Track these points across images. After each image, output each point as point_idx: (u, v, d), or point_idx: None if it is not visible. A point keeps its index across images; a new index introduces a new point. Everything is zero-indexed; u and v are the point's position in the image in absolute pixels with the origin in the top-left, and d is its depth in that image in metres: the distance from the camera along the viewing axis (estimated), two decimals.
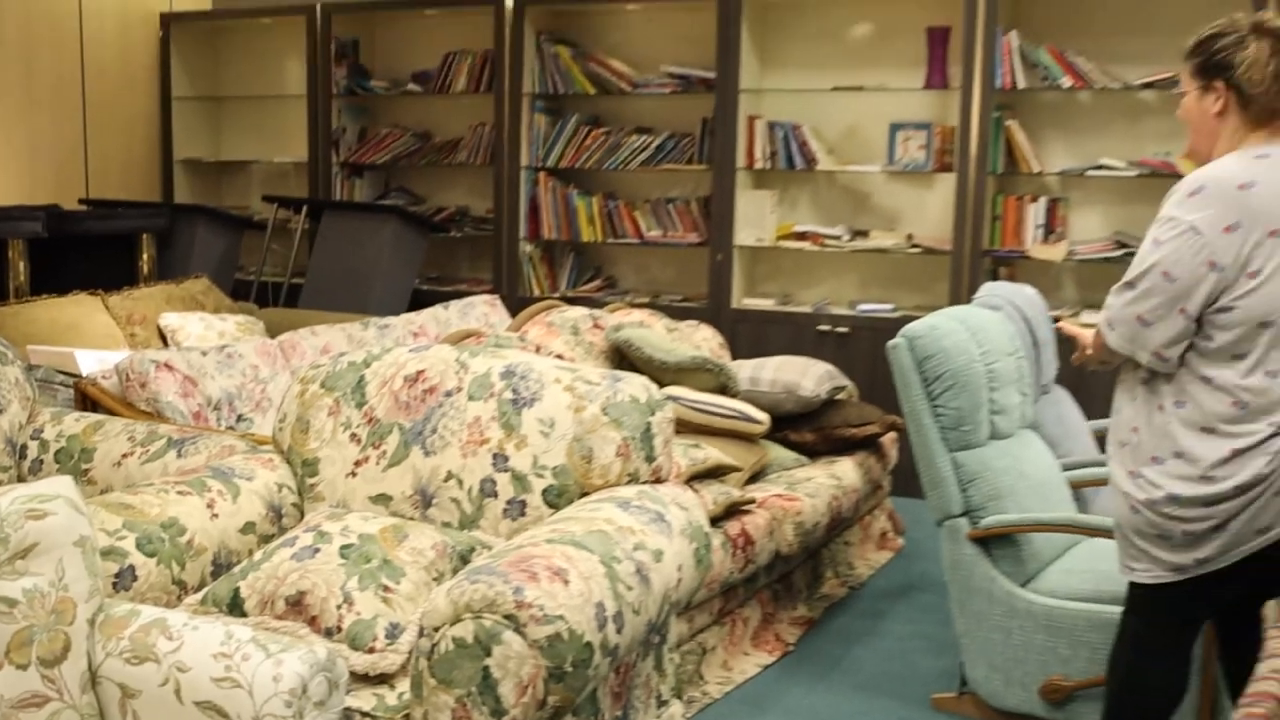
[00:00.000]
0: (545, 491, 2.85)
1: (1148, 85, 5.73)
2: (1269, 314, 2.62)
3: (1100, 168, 5.82)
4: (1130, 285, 2.70)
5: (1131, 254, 5.72)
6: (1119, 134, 5.94)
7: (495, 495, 2.89)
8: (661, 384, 4.45)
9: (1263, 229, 2.61)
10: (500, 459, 2.90)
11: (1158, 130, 5.88)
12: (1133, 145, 5.88)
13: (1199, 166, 2.74)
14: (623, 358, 4.66)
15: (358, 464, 3.04)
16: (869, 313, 6.16)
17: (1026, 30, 5.94)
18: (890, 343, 3.51)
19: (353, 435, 3.07)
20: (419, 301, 6.53)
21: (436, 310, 5.51)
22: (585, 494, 2.84)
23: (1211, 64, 2.71)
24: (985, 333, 3.65)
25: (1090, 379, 5.64)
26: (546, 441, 2.88)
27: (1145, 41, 5.85)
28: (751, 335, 6.27)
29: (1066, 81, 5.78)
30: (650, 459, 2.87)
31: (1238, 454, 2.65)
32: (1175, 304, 2.64)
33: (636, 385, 2.92)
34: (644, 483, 2.87)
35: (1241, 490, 2.65)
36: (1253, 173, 2.62)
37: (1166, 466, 2.71)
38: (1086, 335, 2.94)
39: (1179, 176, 5.63)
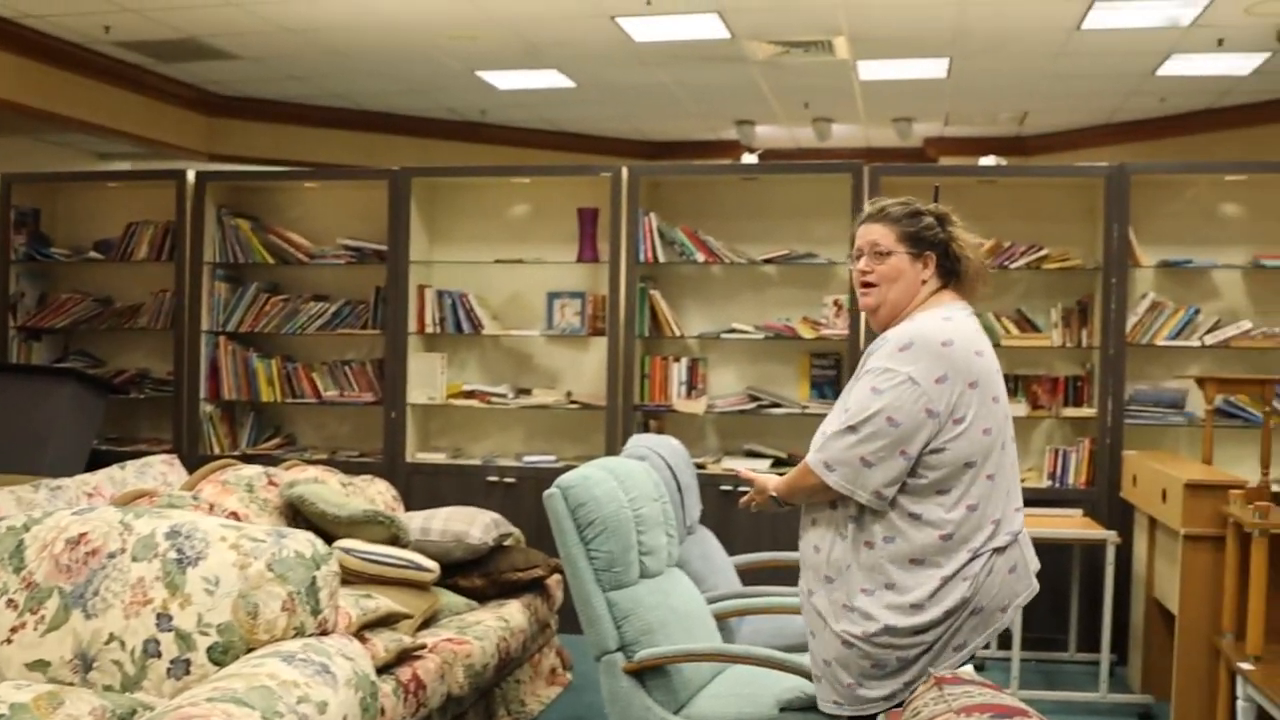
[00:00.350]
0: (210, 649, 2.64)
1: (768, 261, 6.01)
2: (972, 455, 2.71)
3: (732, 331, 6.04)
4: (853, 429, 2.71)
5: (763, 406, 5.96)
6: (747, 302, 6.19)
7: (159, 655, 2.65)
8: (335, 537, 4.26)
9: (963, 381, 2.72)
10: (164, 619, 2.67)
11: (778, 299, 6.16)
12: (758, 312, 6.13)
13: (885, 317, 2.84)
14: (297, 513, 4.45)
15: (14, 630, 2.74)
16: (533, 464, 6.13)
17: (664, 212, 6.16)
18: (546, 493, 3.46)
19: (9, 601, 2.77)
20: (98, 462, 6.06)
21: (113, 470, 5.11)
22: (251, 649, 2.64)
23: (923, 239, 2.84)
24: (632, 480, 3.65)
25: (733, 520, 5.77)
26: (211, 599, 2.67)
27: (763, 225, 6.16)
28: (425, 487, 6.13)
29: (700, 257, 6.00)
30: (316, 611, 2.71)
31: (945, 581, 2.70)
32: (897, 446, 2.68)
33: (302, 540, 2.77)
34: (310, 635, 2.70)
35: (949, 614, 2.70)
36: (948, 332, 2.74)
37: (876, 597, 2.71)
38: (762, 479, 2.95)
39: (799, 339, 5.94)
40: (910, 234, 2.85)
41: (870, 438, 2.70)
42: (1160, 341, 5.72)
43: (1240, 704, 4.03)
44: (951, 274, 2.87)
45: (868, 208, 2.94)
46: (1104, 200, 5.65)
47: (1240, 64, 8.63)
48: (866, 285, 2.87)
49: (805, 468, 2.79)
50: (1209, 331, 5.70)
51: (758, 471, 3.14)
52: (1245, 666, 3.97)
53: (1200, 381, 5.15)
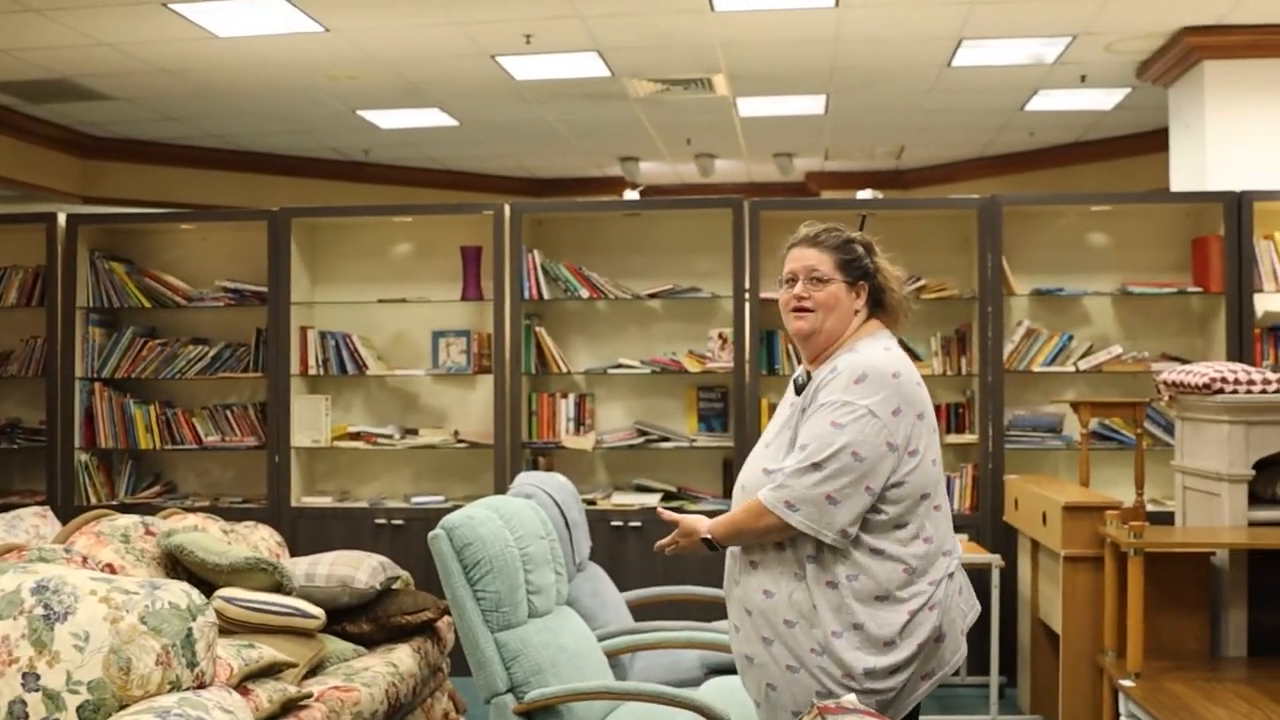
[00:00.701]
0: (80, 708, 2.52)
1: (653, 295, 6.03)
2: (926, 487, 2.70)
3: (619, 366, 6.03)
4: (817, 466, 2.63)
5: (652, 440, 5.96)
6: (632, 337, 6.19)
7: (26, 717, 2.53)
8: (217, 587, 4.13)
9: (914, 413, 2.70)
10: (31, 678, 2.55)
11: (664, 333, 6.18)
12: (644, 346, 6.14)
13: (818, 345, 2.79)
14: (177, 563, 4.31)
15: None
16: (422, 504, 6.04)
17: (548, 249, 6.14)
18: (430, 534, 3.40)
19: None
20: None
21: None
22: (124, 706, 2.53)
23: (857, 268, 2.82)
24: (518, 519, 3.60)
25: (624, 555, 5.74)
26: (81, 656, 2.56)
27: (647, 260, 6.18)
28: (311, 532, 6.00)
29: (585, 293, 5.99)
30: (193, 664, 2.61)
31: (913, 615, 2.66)
32: (862, 482, 2.62)
33: (176, 591, 2.67)
34: (187, 689, 2.60)
35: (920, 647, 2.67)
36: (893, 363, 2.72)
37: (846, 640, 2.64)
38: (690, 521, 2.82)
39: (685, 372, 5.95)
40: (846, 262, 2.82)
41: (836, 474, 2.62)
42: (1036, 368, 5.85)
43: None
44: (877, 304, 2.86)
45: (802, 230, 2.88)
46: (977, 231, 5.78)
47: (1103, 99, 8.91)
48: (802, 310, 2.80)
49: (759, 507, 2.67)
50: (1082, 357, 5.85)
51: (672, 510, 3.09)
52: (1126, 684, 4.04)
53: (1075, 406, 5.27)
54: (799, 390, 2.82)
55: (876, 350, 2.77)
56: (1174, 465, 4.76)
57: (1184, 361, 5.65)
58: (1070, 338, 5.88)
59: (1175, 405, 4.73)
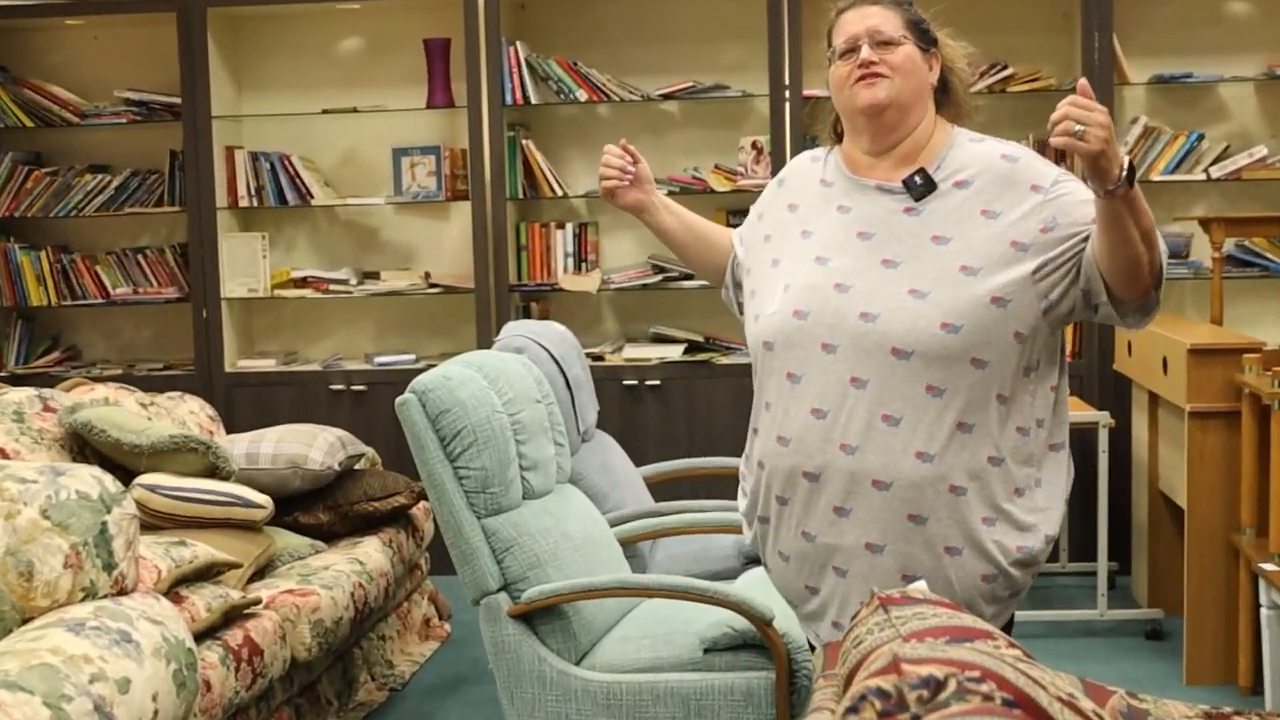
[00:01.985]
0: None
1: (668, 96, 5.96)
2: None
3: None
4: None
5: (671, 279, 5.96)
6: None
7: None
8: (136, 472, 4.20)
9: None
10: None
11: (684, 144, 6.14)
12: (660, 161, 6.09)
13: (891, 120, 2.72)
14: (85, 445, 4.37)
15: None
16: (388, 365, 6.08)
17: (533, 41, 6.06)
18: (399, 399, 3.42)
19: None
20: None
21: None
22: (28, 619, 2.59)
23: (927, 32, 2.78)
24: (507, 379, 3.63)
25: (640, 421, 5.79)
26: None
27: (659, 51, 6.10)
28: (251, 402, 6.06)
29: (582, 95, 5.93)
30: (110, 566, 2.66)
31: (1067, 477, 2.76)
32: None
33: (86, 478, 2.71)
34: (104, 597, 2.66)
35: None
36: None
37: (1028, 499, 2.68)
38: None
39: (711, 192, 5.92)
40: (914, 23, 2.78)
41: None
42: (1156, 176, 5.80)
43: (1265, 613, 4.16)
44: (942, 90, 2.82)
45: None
46: (1080, 2, 5.68)
47: None
48: (873, 75, 2.71)
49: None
50: (1215, 161, 5.79)
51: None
52: (1268, 568, 4.09)
53: (1206, 223, 5.23)
54: (914, 192, 2.71)
55: (995, 140, 2.78)
56: None
57: None
58: (1200, 137, 5.81)
59: None
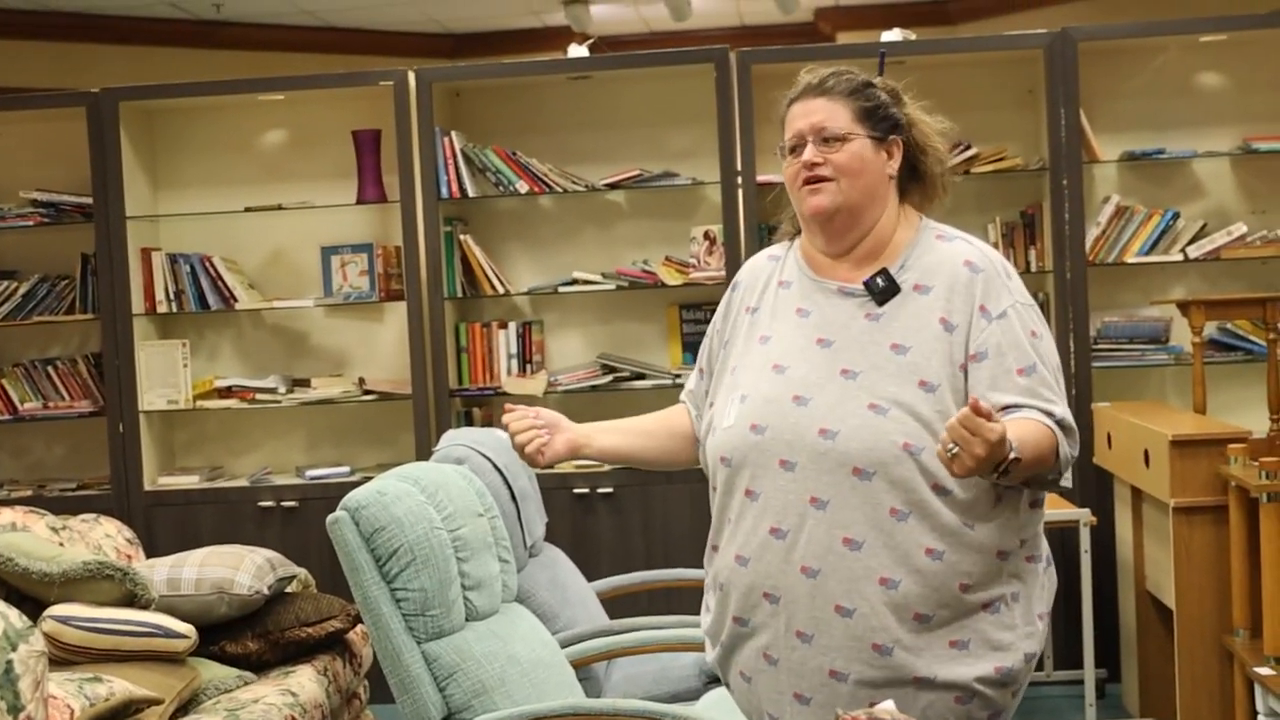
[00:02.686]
0: None
1: (614, 185, 6.01)
2: None
3: (574, 283, 6.03)
4: (1056, 385, 2.68)
5: (622, 378, 5.97)
6: (590, 243, 6.19)
7: None
8: (47, 602, 4.15)
9: None
10: None
11: (632, 235, 6.18)
12: (608, 254, 6.14)
13: (841, 226, 2.75)
14: None
15: None
16: (320, 479, 6.05)
17: (469, 130, 6.12)
18: (330, 517, 3.41)
19: None
20: None
21: None
22: None
23: (884, 118, 2.79)
24: (446, 492, 3.62)
25: (592, 532, 5.77)
26: None
27: (603, 138, 6.17)
28: (173, 523, 6.02)
29: (522, 186, 5.97)
30: (16, 709, 2.63)
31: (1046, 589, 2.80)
32: None
33: None
34: None
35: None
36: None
37: (1006, 616, 2.69)
38: (995, 427, 2.44)
39: (662, 286, 5.96)
40: (868, 111, 2.78)
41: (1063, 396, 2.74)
42: (1131, 258, 5.88)
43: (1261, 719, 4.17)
44: (910, 174, 2.84)
45: (803, 78, 2.84)
46: (1046, 78, 5.77)
47: None
48: (817, 180, 2.74)
49: (1048, 432, 2.60)
50: (1193, 241, 5.87)
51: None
52: (1264, 672, 4.10)
53: (1185, 306, 5.29)
54: (876, 296, 2.74)
55: (963, 239, 2.83)
56: None
57: None
58: (1176, 215, 5.90)
59: None
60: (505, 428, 2.90)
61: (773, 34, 12.09)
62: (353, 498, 3.42)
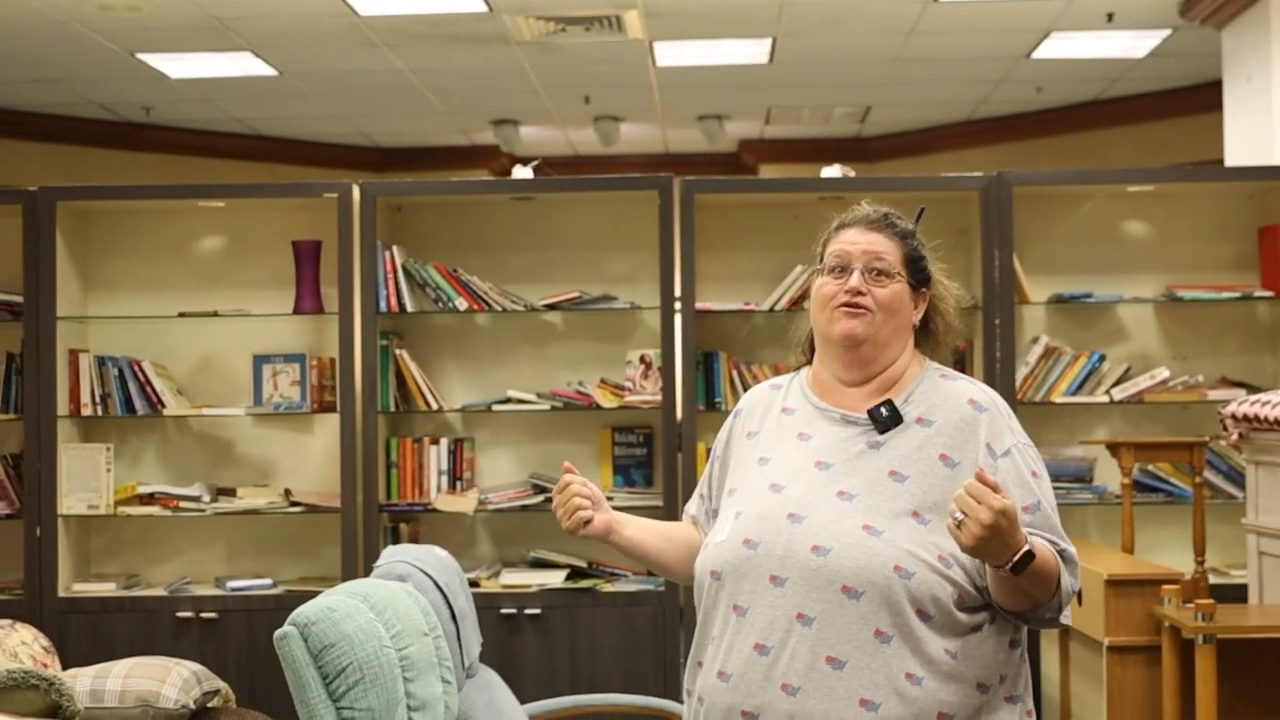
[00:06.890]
0: None
1: (553, 306, 6.02)
2: None
3: (508, 401, 6.01)
4: (1057, 524, 2.76)
5: (550, 499, 5.92)
6: (525, 362, 6.18)
7: None
8: None
9: None
10: None
11: (568, 356, 6.18)
12: (542, 374, 6.13)
13: (865, 356, 2.81)
14: None
15: None
16: (242, 590, 5.95)
17: (411, 246, 6.11)
18: (278, 633, 3.35)
19: None
20: None
21: None
22: None
23: (923, 271, 2.88)
24: (394, 610, 3.58)
25: (520, 655, 5.71)
26: None
27: (544, 258, 6.20)
28: (87, 632, 5.87)
29: (461, 303, 5.96)
30: None
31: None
32: None
33: None
34: None
35: None
36: None
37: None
38: (1010, 505, 2.50)
39: (596, 408, 5.95)
40: (913, 259, 2.87)
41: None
42: (1058, 398, 5.96)
43: None
44: (920, 328, 2.92)
45: (866, 208, 2.91)
46: (980, 219, 5.87)
47: (1134, 44, 9.14)
48: (857, 307, 2.79)
49: (1052, 555, 2.65)
50: (1117, 383, 5.97)
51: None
52: None
53: (1112, 448, 5.36)
54: (879, 424, 2.79)
55: (966, 380, 2.91)
56: (1245, 524, 4.86)
57: (1252, 389, 5.79)
58: (1102, 358, 6.00)
59: (1245, 446, 4.84)
60: (558, 484, 3.03)
61: (697, 163, 12.28)
62: (301, 613, 3.38)
